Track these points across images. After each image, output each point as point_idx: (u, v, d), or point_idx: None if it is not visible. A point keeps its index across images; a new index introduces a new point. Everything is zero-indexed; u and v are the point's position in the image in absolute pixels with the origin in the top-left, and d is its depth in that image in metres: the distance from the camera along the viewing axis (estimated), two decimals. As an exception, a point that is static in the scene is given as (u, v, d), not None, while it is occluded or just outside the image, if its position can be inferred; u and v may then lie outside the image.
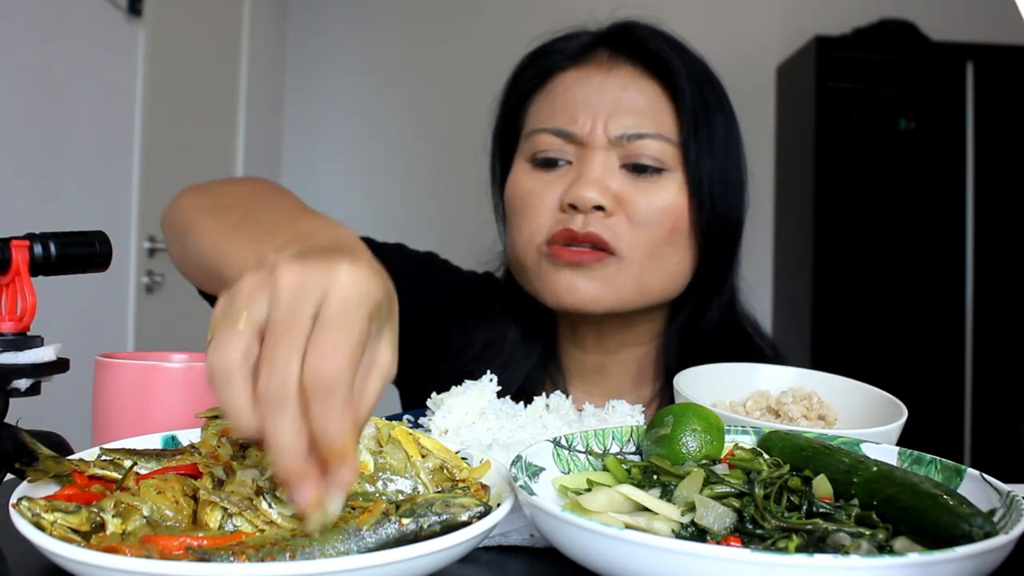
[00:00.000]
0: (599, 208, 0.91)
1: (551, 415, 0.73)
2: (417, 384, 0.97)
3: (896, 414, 0.71)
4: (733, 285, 1.04)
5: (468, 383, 0.75)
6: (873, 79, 3.16)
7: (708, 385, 0.78)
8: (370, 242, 1.04)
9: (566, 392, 1.00)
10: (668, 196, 0.93)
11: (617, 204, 0.92)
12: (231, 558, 0.44)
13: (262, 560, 0.44)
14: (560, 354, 1.04)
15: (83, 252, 0.68)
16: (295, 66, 3.59)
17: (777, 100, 3.54)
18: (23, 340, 0.63)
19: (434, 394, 0.75)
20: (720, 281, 1.01)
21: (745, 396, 0.79)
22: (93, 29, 2.04)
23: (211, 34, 2.82)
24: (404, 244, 1.12)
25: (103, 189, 2.12)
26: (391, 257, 1.02)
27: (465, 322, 1.04)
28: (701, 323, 1.01)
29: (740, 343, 1.02)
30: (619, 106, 0.94)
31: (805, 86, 3.24)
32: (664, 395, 1.02)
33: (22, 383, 0.62)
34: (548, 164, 0.96)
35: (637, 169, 0.94)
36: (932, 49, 3.21)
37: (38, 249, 0.65)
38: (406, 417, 0.74)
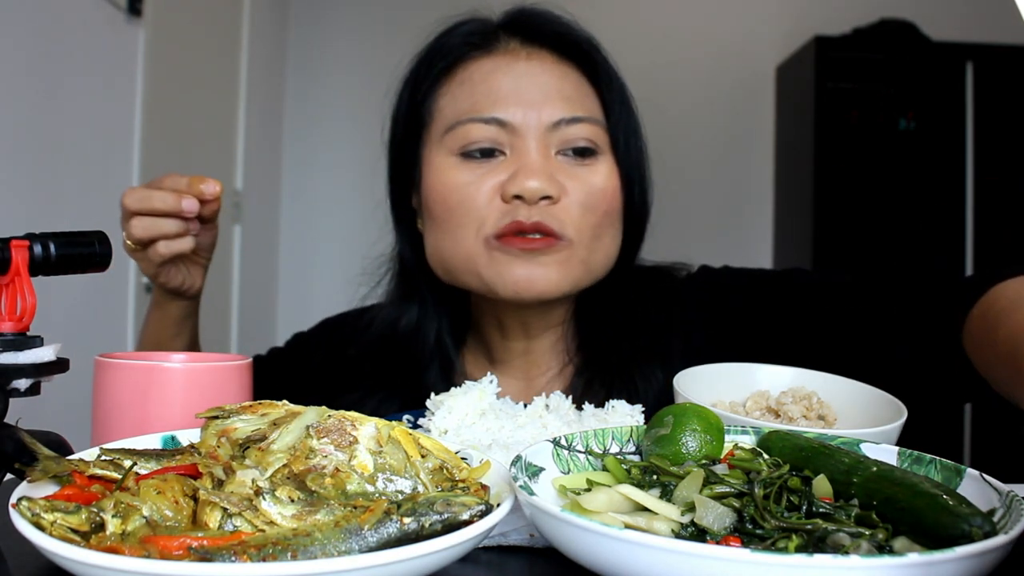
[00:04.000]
0: (545, 197, 0.90)
1: (551, 415, 0.73)
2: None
3: (896, 414, 0.70)
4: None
5: (468, 383, 0.75)
6: (873, 79, 3.16)
7: (708, 385, 0.78)
8: (274, 351, 1.19)
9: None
10: (603, 178, 0.95)
11: (560, 191, 0.92)
12: (233, 558, 0.44)
13: (264, 560, 0.44)
14: (489, 343, 1.04)
15: (83, 252, 0.68)
16: (295, 66, 3.59)
17: (777, 100, 3.54)
18: (23, 340, 0.63)
19: (433, 395, 0.75)
20: (630, 262, 1.02)
21: (745, 396, 0.79)
22: (93, 29, 2.04)
23: (211, 34, 2.82)
24: (278, 345, 1.21)
25: (103, 189, 2.12)
26: (297, 354, 1.16)
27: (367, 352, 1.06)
28: (616, 301, 1.01)
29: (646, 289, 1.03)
30: (550, 93, 0.94)
31: (805, 86, 3.24)
32: (572, 373, 1.01)
33: (22, 383, 0.62)
34: (485, 154, 0.93)
35: (576, 152, 0.94)
36: (932, 49, 3.21)
37: (38, 249, 0.65)
38: (406, 417, 0.74)
